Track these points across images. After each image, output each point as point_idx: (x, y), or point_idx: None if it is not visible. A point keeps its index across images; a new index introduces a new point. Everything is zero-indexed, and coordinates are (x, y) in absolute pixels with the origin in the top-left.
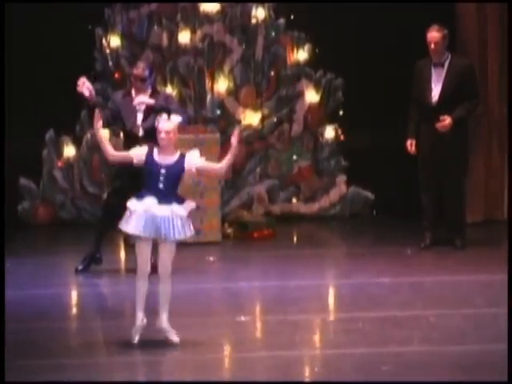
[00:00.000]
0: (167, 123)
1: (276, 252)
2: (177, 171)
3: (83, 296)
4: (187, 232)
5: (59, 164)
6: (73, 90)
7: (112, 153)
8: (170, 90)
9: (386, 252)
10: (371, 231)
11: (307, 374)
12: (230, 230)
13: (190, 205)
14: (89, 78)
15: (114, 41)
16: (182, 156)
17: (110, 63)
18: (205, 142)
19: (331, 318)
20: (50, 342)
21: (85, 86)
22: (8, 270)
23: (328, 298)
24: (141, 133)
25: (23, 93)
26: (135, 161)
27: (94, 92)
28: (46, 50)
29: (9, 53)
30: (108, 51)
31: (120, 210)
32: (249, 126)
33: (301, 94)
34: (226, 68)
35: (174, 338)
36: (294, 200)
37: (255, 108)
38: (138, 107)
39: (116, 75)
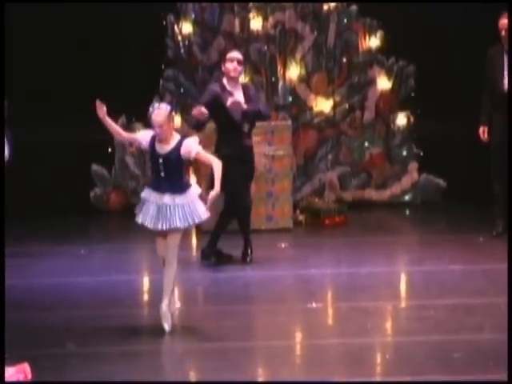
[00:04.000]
0: (158, 116)
1: (347, 239)
2: (174, 159)
3: (155, 282)
4: (192, 219)
5: (131, 150)
6: (145, 77)
7: (122, 134)
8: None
9: (458, 239)
10: (443, 218)
11: (379, 361)
12: (301, 217)
13: (196, 190)
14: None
15: (186, 28)
16: (180, 142)
17: (182, 50)
18: (276, 129)
19: (403, 305)
20: (121, 329)
21: (201, 114)
22: (81, 256)
23: (399, 285)
24: (246, 128)
25: (97, 78)
26: (142, 145)
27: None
28: (119, 37)
29: (87, 39)
30: (180, 38)
31: (241, 199)
32: (320, 113)
33: (373, 81)
34: (298, 55)
35: (166, 325)
36: (366, 187)
37: (327, 95)
38: (232, 89)
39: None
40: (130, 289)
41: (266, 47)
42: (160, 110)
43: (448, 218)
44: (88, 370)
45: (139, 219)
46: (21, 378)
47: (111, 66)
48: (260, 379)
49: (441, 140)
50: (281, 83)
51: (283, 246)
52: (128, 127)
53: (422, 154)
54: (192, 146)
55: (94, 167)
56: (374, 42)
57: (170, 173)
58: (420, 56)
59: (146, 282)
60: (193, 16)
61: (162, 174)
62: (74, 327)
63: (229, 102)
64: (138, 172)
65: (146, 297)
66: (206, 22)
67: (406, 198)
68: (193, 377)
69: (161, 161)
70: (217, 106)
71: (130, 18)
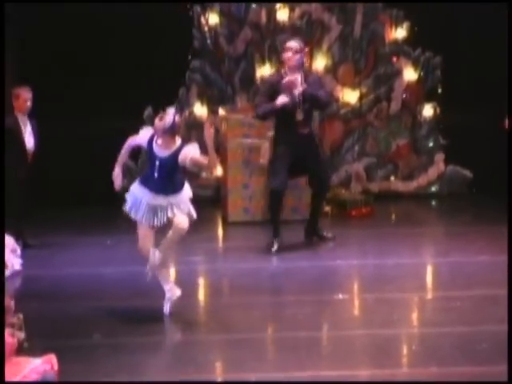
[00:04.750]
0: (162, 123)
1: (373, 230)
2: (171, 164)
3: (180, 273)
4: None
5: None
6: (172, 68)
7: (124, 156)
8: (268, 68)
9: (484, 230)
10: (469, 210)
11: (405, 353)
12: (327, 208)
13: (187, 193)
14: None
15: (213, 19)
16: (180, 149)
17: (208, 41)
18: None
19: (429, 296)
20: (147, 320)
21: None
22: (108, 246)
23: (426, 276)
24: (300, 117)
25: (124, 69)
26: (142, 146)
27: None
28: (146, 28)
29: (114, 30)
30: (206, 29)
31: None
32: (347, 104)
33: (399, 72)
34: (325, 46)
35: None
36: (392, 178)
37: (353, 86)
38: (292, 88)
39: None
40: (156, 279)
41: (292, 38)
42: (166, 116)
43: (474, 210)
44: (114, 361)
45: (134, 215)
46: (47, 368)
47: (138, 57)
48: (286, 370)
49: (467, 131)
50: None
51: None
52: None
53: (448, 144)
54: (189, 153)
55: None
56: (400, 32)
57: (165, 176)
58: (446, 47)
59: (171, 272)
60: (219, 7)
61: (156, 175)
62: (100, 318)
63: (284, 80)
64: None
65: None
66: (233, 12)
67: (433, 189)
68: (218, 367)
69: (157, 163)
70: (273, 96)
71: (157, 9)
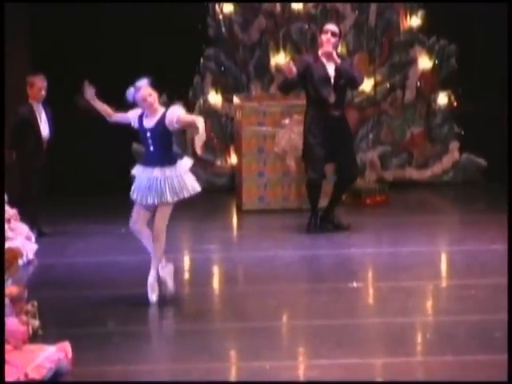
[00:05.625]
0: (143, 89)
1: (388, 218)
2: (161, 130)
3: (195, 261)
4: (182, 193)
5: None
6: (186, 56)
7: (112, 114)
8: (282, 56)
9: (499, 219)
10: (484, 198)
11: (419, 341)
12: (342, 197)
13: (186, 163)
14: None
15: (227, 7)
16: (164, 113)
17: (223, 29)
18: None
19: (444, 284)
20: (162, 308)
21: (289, 70)
22: (122, 235)
23: (441, 264)
24: (332, 99)
25: (137, 59)
26: (132, 123)
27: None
28: (160, 16)
29: (127, 19)
30: (221, 17)
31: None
32: (361, 93)
33: (414, 61)
34: None
35: (153, 296)
36: (407, 166)
37: (368, 74)
38: (325, 61)
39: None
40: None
41: (307, 26)
42: (141, 84)
43: (489, 198)
44: (128, 349)
45: (133, 195)
46: (61, 356)
47: (152, 45)
48: (300, 358)
49: (482, 119)
50: None
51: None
52: (169, 106)
53: (462, 133)
54: (173, 113)
55: (135, 146)
56: (415, 21)
57: (159, 146)
58: (461, 35)
59: (186, 260)
60: None
61: (152, 148)
62: (115, 306)
63: (320, 51)
64: (178, 150)
65: (186, 275)
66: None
67: (447, 177)
68: (233, 356)
69: (148, 134)
70: (307, 76)
71: None
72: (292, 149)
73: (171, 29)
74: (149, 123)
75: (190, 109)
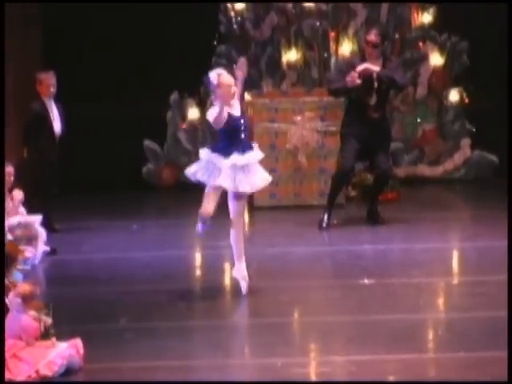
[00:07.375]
0: (227, 76)
1: (400, 215)
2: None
3: (207, 257)
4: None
5: (183, 126)
6: (198, 53)
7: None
8: (294, 52)
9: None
10: (496, 195)
11: (431, 338)
12: (353, 193)
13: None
14: None
15: (239, 3)
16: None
17: (235, 26)
18: (329, 105)
19: (455, 281)
20: (175, 304)
21: (353, 81)
22: (134, 231)
23: (452, 261)
24: (373, 101)
25: (149, 56)
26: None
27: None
28: (172, 13)
29: (138, 16)
30: (233, 14)
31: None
32: None
33: (425, 57)
34: (351, 30)
35: (243, 288)
36: (419, 163)
37: None
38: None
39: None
40: (182, 264)
41: (318, 23)
42: (221, 72)
43: (501, 195)
44: (141, 345)
45: (212, 181)
46: (72, 353)
47: (164, 42)
48: (312, 354)
49: (493, 116)
50: (333, 59)
51: (335, 222)
52: (181, 103)
53: (474, 130)
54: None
55: (147, 143)
56: (426, 17)
57: (247, 133)
58: (473, 32)
59: (198, 257)
60: None
61: (243, 135)
62: (128, 302)
63: (358, 67)
64: (190, 147)
65: (198, 272)
66: None
67: (459, 174)
68: (246, 352)
69: (242, 121)
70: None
71: None
72: (304, 145)
73: (183, 25)
74: (236, 112)
75: (202, 106)
